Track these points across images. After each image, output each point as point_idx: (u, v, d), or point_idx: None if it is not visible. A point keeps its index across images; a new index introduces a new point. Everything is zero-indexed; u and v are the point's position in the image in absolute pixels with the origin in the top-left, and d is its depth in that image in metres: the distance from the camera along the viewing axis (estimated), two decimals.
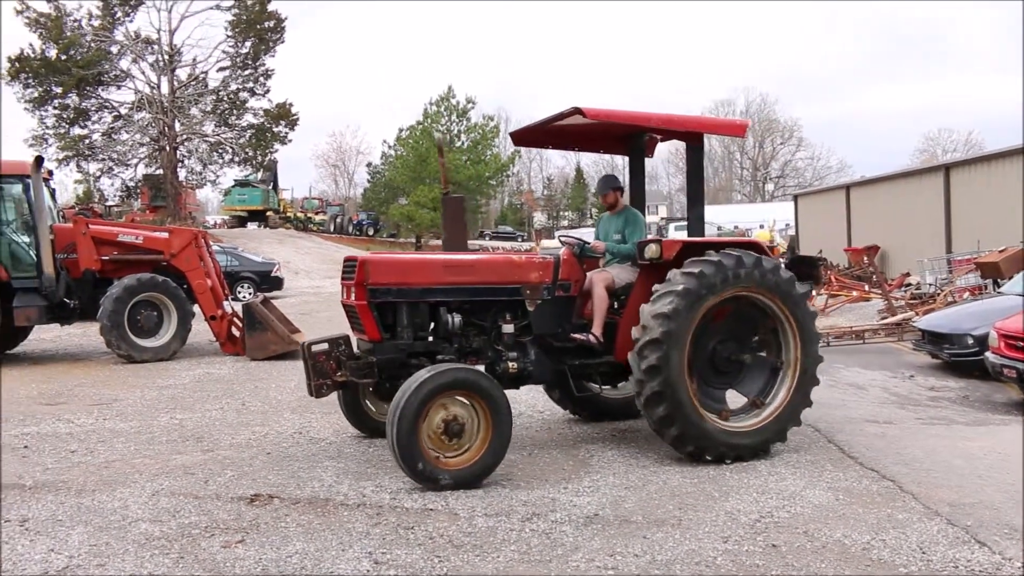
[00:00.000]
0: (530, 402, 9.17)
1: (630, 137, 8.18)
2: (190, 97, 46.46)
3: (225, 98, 47.98)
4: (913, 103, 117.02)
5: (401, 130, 57.80)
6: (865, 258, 26.45)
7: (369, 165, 75.59)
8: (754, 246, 7.17)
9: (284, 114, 48.17)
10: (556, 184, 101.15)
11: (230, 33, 45.96)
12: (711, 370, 7.07)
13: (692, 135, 7.49)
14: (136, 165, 47.62)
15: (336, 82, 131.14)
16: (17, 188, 14.20)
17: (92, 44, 43.14)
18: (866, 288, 20.86)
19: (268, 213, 55.41)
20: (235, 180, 54.83)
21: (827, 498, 5.89)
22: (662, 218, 78.86)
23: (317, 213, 63.52)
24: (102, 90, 45.54)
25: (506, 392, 6.46)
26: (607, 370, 7.39)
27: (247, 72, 47.55)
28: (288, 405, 9.44)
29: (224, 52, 46.48)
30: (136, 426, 8.42)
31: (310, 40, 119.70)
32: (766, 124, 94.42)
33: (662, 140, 8.39)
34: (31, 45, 42.15)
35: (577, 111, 6.86)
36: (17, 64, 41.65)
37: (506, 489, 6.15)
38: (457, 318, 6.91)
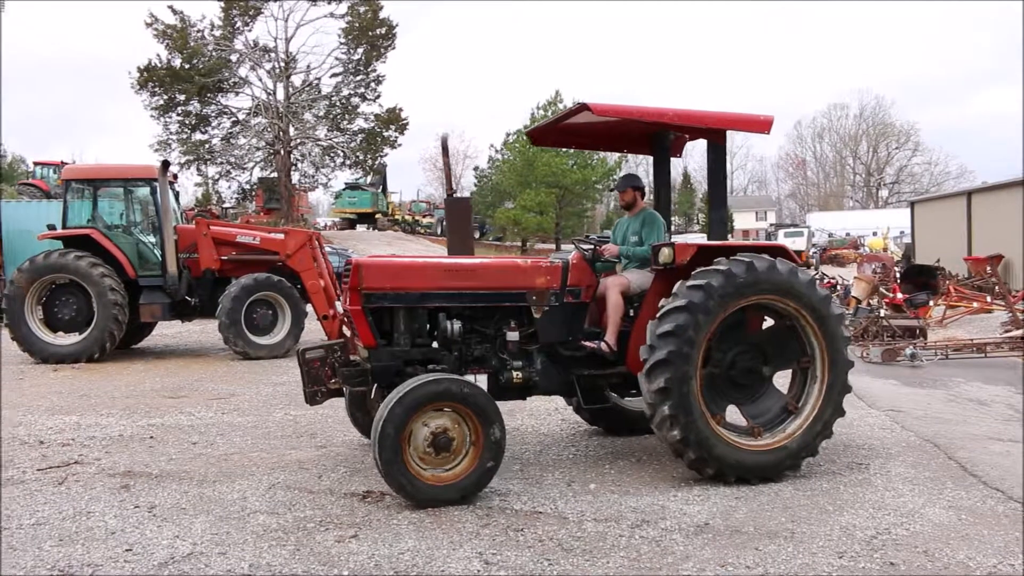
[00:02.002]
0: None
1: (654, 136, 7.79)
2: (304, 102, 47.77)
3: (337, 103, 49.15)
4: None
5: (508, 134, 58.13)
6: (988, 268, 25.37)
7: (476, 169, 76.06)
8: (777, 250, 6.73)
9: (394, 119, 49.04)
10: None
11: (343, 40, 47.09)
12: (730, 384, 6.66)
13: (713, 132, 7.03)
14: (252, 168, 49.24)
15: (444, 87, 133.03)
16: (145, 191, 14.95)
17: (213, 53, 44.81)
18: (988, 299, 20.02)
19: (377, 216, 56.55)
20: (346, 183, 56.14)
21: (948, 517, 5.67)
22: (771, 224, 77.16)
23: (424, 216, 64.44)
24: (222, 97, 47.24)
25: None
26: (619, 381, 6.97)
27: (359, 78, 48.62)
28: None
29: (337, 59, 47.68)
30: (253, 421, 8.70)
31: (419, 45, 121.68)
32: (881, 128, 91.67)
33: (691, 139, 7.87)
34: (158, 55, 44.12)
35: (584, 107, 6.50)
36: (145, 74, 43.58)
37: (615, 495, 6.13)
38: (457, 325, 6.57)
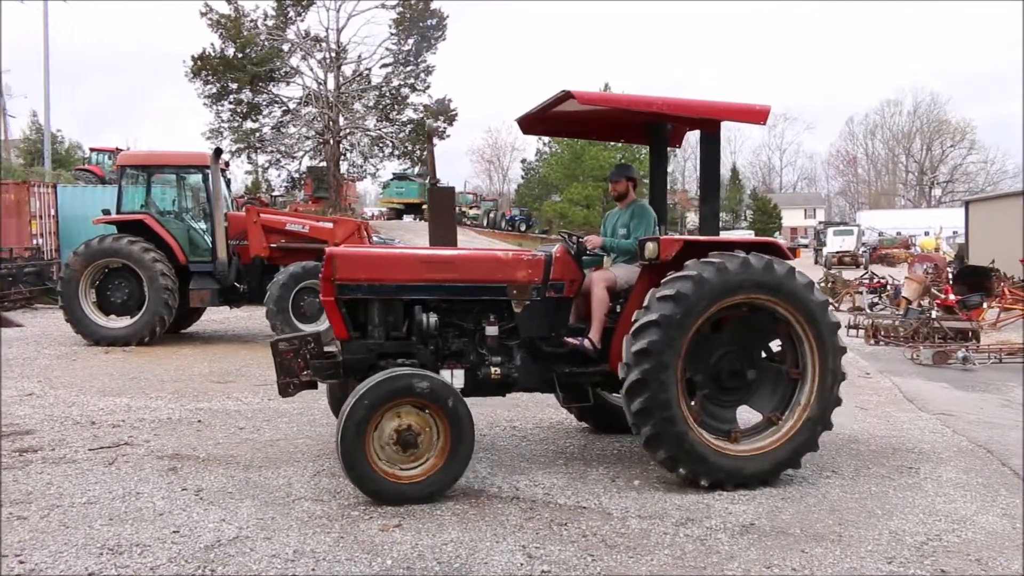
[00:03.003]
0: None
1: (651, 126, 7.45)
2: (354, 93, 48.00)
3: (387, 94, 49.34)
4: None
5: None
6: None
7: (524, 161, 76.20)
8: (767, 246, 6.48)
9: (443, 110, 49.14)
10: None
11: (394, 31, 47.21)
12: (716, 386, 6.40)
13: (705, 122, 6.70)
14: (301, 158, 49.62)
15: (493, 78, 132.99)
16: (197, 178, 15.16)
17: (266, 43, 45.18)
18: None
19: (424, 206, 56.73)
20: (393, 173, 56.38)
21: (1002, 525, 5.54)
22: (820, 222, 76.06)
23: (471, 208, 64.49)
24: (273, 86, 47.60)
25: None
26: (601, 379, 6.70)
27: (408, 68, 48.75)
28: None
29: (387, 49, 47.79)
30: (298, 408, 8.77)
31: (469, 36, 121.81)
32: (935, 125, 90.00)
33: (690, 129, 7.55)
34: (212, 45, 44.58)
35: (568, 95, 6.26)
36: (199, 63, 44.11)
37: (659, 492, 6.08)
38: (434, 318, 6.35)
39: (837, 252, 47.42)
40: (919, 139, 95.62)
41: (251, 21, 45.24)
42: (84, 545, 4.96)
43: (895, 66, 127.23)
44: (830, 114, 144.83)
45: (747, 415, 6.84)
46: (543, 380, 6.65)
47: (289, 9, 45.74)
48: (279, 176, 51.25)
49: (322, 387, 10.06)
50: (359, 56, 47.84)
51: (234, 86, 45.62)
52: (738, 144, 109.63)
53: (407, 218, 55.07)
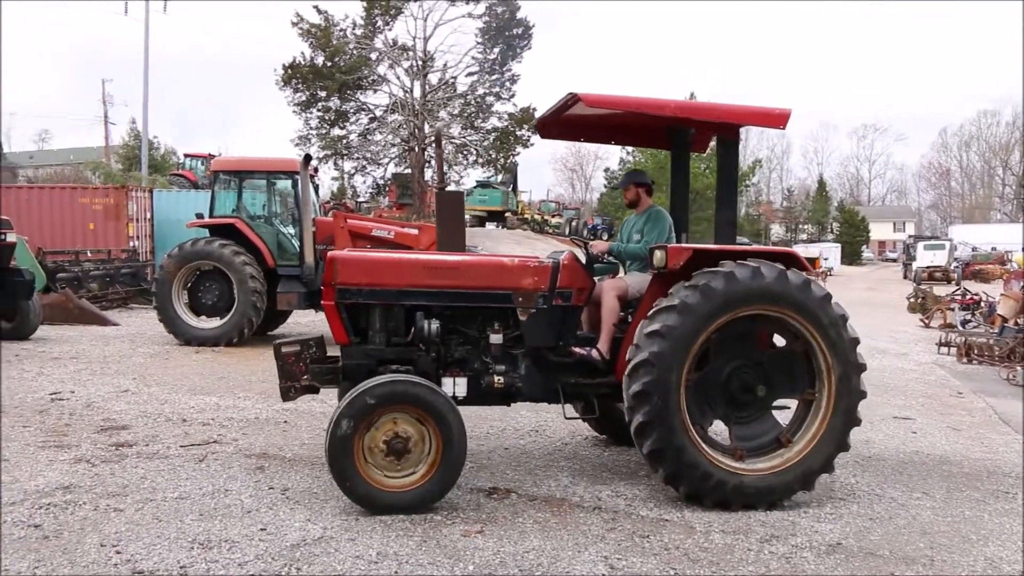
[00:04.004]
0: None
1: (672, 130, 7.16)
2: (440, 101, 48.51)
3: (472, 102, 49.72)
4: None
5: None
6: None
7: (607, 170, 75.85)
8: (786, 257, 6.17)
9: (527, 118, 49.23)
10: (796, 196, 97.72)
11: (480, 40, 47.59)
12: (726, 402, 6.14)
13: (723, 126, 6.45)
14: (387, 164, 50.32)
15: (577, 86, 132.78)
16: (286, 183, 15.48)
17: (354, 51, 45.98)
18: None
19: (507, 214, 56.96)
20: (477, 181, 56.75)
21: None
22: (910, 236, 74.05)
23: (553, 216, 64.57)
24: (360, 94, 48.39)
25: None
26: (609, 392, 6.39)
27: (494, 77, 49.07)
28: (525, 403, 9.61)
29: (473, 58, 48.17)
30: None
31: (555, 45, 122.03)
32: None
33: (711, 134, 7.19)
34: (302, 54, 45.58)
35: (575, 98, 6.08)
36: (289, 71, 45.13)
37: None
38: (435, 324, 6.18)
39: (928, 267, 46.18)
40: (1018, 151, 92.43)
41: (340, 30, 46.11)
42: (176, 539, 5.10)
43: (993, 75, 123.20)
44: (922, 125, 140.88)
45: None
46: (548, 390, 6.47)
47: (377, 19, 46.50)
48: (364, 182, 52.07)
49: None
50: (445, 64, 48.35)
51: (323, 94, 46.51)
52: (825, 155, 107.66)
53: (489, 225, 55.36)
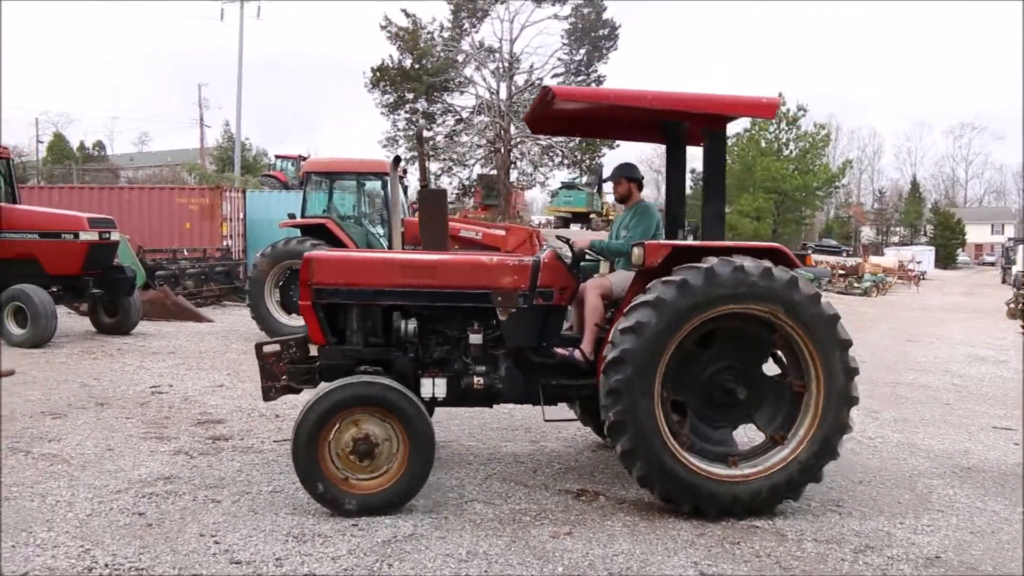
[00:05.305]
0: (859, 426, 8.67)
1: (666, 124, 6.84)
2: (526, 102, 48.62)
3: None
4: None
5: (727, 137, 56.84)
6: None
7: (692, 172, 75.06)
8: (774, 253, 5.91)
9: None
10: (889, 197, 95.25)
11: (566, 41, 47.60)
12: (708, 404, 5.91)
13: (710, 118, 6.16)
14: (473, 166, 50.68)
15: (663, 85, 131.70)
16: (376, 184, 15.73)
17: (441, 54, 46.48)
18: None
19: (591, 215, 56.84)
20: (562, 182, 56.76)
21: None
22: (1009, 238, 71.45)
23: None
24: (447, 95, 48.89)
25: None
26: (591, 393, 6.05)
27: (580, 78, 48.98)
28: None
29: (559, 59, 48.20)
30: (469, 411, 8.90)
31: (640, 45, 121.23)
32: None
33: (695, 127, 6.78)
34: (390, 56, 46.27)
35: (548, 92, 5.91)
36: (378, 73, 45.87)
37: (837, 515, 5.86)
38: (413, 324, 6.09)
39: None
40: None
41: (428, 33, 46.66)
42: (271, 531, 5.23)
43: None
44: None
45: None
46: (530, 392, 6.28)
47: (464, 21, 46.92)
48: (450, 183, 52.51)
49: None
50: (531, 66, 48.48)
51: (410, 96, 47.11)
52: (919, 155, 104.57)
53: (574, 227, 55.30)
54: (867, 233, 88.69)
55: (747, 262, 5.60)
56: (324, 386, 5.71)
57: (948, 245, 79.02)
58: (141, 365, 11.46)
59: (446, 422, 8.44)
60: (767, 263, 5.67)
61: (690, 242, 6.08)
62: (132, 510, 5.57)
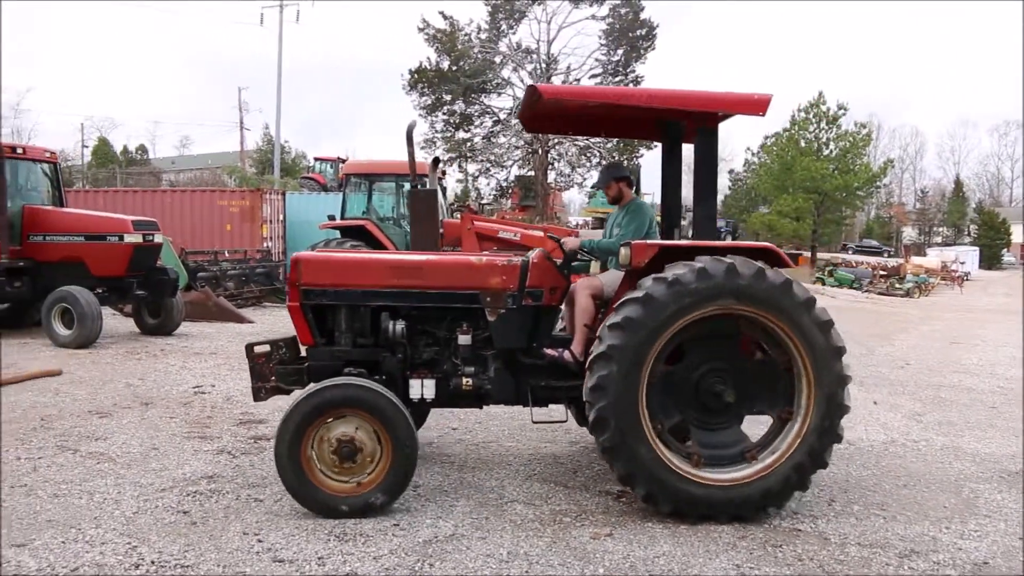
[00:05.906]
0: (902, 429, 8.57)
1: (662, 122, 6.67)
2: None
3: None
4: None
5: (766, 137, 56.38)
6: None
7: (731, 172, 74.60)
8: (765, 252, 5.76)
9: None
10: (931, 197, 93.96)
11: (603, 42, 47.49)
12: (698, 408, 5.76)
13: (699, 115, 6.03)
14: (510, 167, 50.72)
15: (701, 85, 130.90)
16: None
17: (479, 55, 46.60)
18: None
19: None
20: None
21: None
22: None
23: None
24: (484, 97, 49.00)
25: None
26: (579, 394, 5.82)
27: (617, 79, 48.83)
28: None
29: (597, 60, 48.11)
30: (509, 411, 8.90)
31: (678, 45, 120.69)
32: None
33: (691, 125, 6.54)
34: (428, 58, 46.46)
35: (533, 90, 5.85)
36: (415, 75, 46.08)
37: (881, 519, 5.79)
38: (401, 325, 6.07)
39: None
40: None
41: (465, 35, 46.78)
42: (313, 530, 5.27)
43: None
44: None
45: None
46: (520, 393, 6.23)
47: (502, 23, 46.99)
48: (488, 184, 52.61)
49: None
50: (568, 67, 48.45)
51: (448, 97, 47.26)
52: (963, 154, 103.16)
53: None
54: (909, 233, 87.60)
55: (740, 263, 5.51)
56: (308, 387, 5.74)
57: (992, 245, 77.74)
58: (184, 365, 11.61)
59: (486, 422, 8.47)
60: (760, 264, 5.58)
61: (678, 241, 6.05)
62: (177, 508, 5.65)
